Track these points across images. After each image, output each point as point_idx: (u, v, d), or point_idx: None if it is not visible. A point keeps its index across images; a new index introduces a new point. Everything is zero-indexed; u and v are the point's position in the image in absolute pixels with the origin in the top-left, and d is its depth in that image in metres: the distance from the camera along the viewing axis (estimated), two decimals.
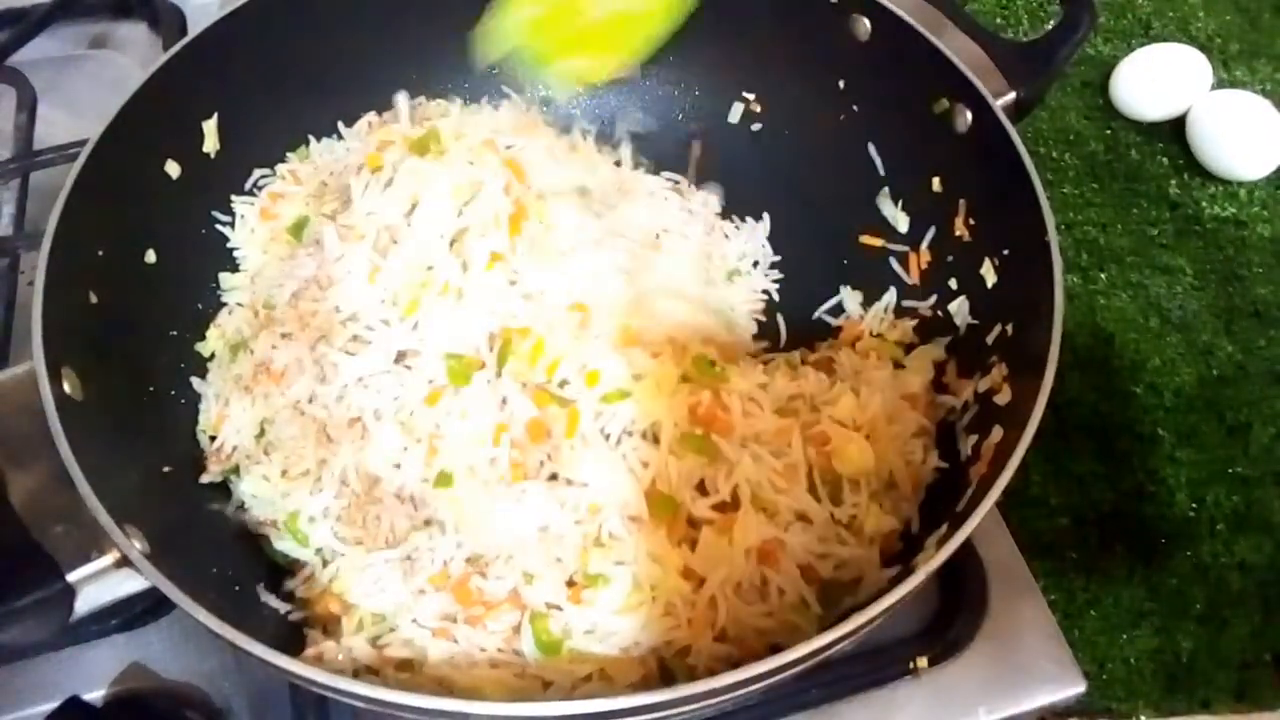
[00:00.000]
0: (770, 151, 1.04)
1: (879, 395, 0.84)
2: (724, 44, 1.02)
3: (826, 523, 0.79)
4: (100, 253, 0.82)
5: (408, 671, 0.74)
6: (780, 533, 0.77)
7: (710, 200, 1.03)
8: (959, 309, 0.90)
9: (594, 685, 0.73)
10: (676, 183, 1.03)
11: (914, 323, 0.94)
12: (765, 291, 0.99)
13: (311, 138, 1.01)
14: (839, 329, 0.97)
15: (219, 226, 0.95)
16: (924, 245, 0.95)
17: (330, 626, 0.78)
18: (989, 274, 0.87)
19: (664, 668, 0.75)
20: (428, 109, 1.01)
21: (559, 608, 0.75)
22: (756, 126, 1.05)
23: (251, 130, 0.95)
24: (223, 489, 0.85)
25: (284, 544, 0.81)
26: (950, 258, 0.92)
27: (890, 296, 0.96)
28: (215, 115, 0.93)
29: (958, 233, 0.91)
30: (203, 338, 0.91)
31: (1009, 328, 0.84)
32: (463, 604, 0.76)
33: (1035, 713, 0.84)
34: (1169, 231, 1.21)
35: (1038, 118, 1.29)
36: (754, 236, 1.01)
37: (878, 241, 0.98)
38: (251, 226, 0.95)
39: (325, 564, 0.80)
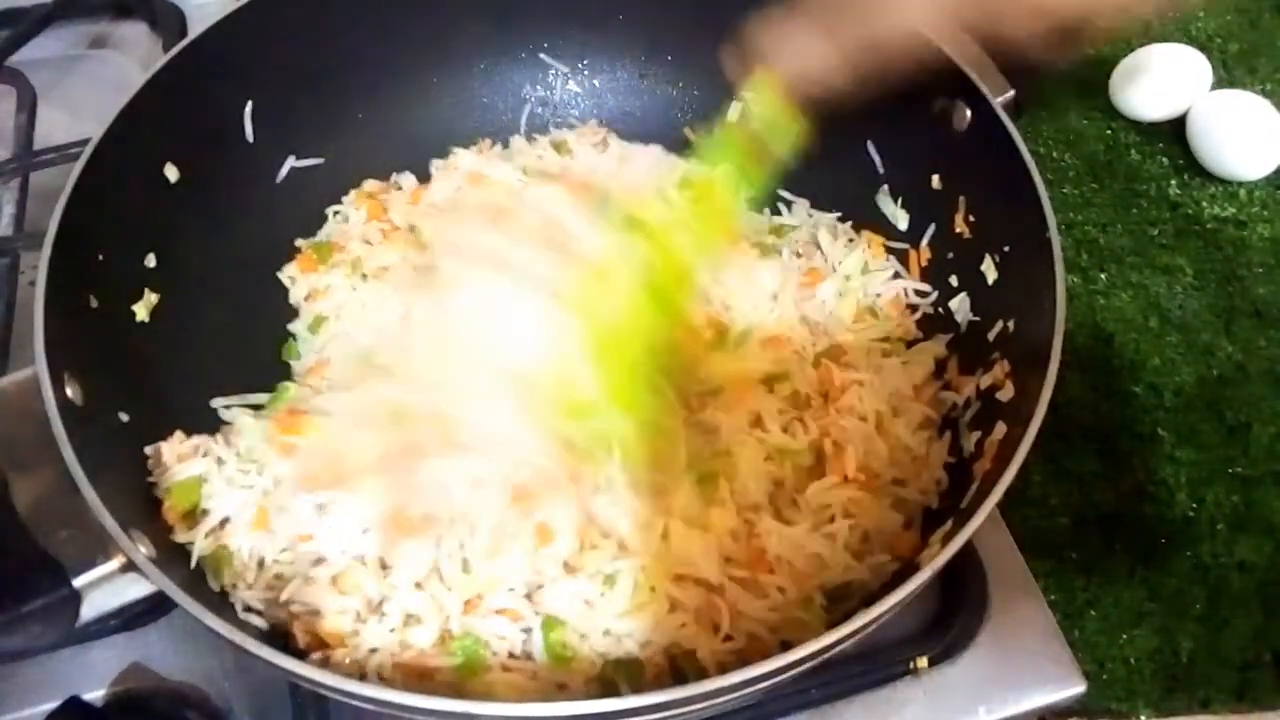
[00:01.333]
0: None
1: (884, 387, 0.84)
2: (722, 42, 1.02)
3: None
4: (100, 256, 0.82)
5: (416, 678, 0.74)
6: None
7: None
8: (960, 306, 0.90)
9: (606, 686, 0.74)
10: None
11: (915, 318, 0.94)
12: None
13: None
14: None
15: None
16: (924, 242, 0.95)
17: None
18: (990, 270, 0.88)
19: (675, 667, 0.75)
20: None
21: (564, 620, 0.75)
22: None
23: (253, 132, 0.96)
24: None
25: None
26: (951, 255, 0.92)
27: None
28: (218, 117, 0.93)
29: (958, 230, 0.91)
30: None
31: (1010, 324, 0.84)
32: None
33: (1035, 713, 0.83)
34: (1169, 231, 1.21)
35: (1037, 117, 1.29)
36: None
37: (878, 239, 0.98)
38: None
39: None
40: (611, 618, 0.74)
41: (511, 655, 0.75)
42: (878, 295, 0.95)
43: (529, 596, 0.76)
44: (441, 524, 0.78)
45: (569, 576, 0.76)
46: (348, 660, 0.74)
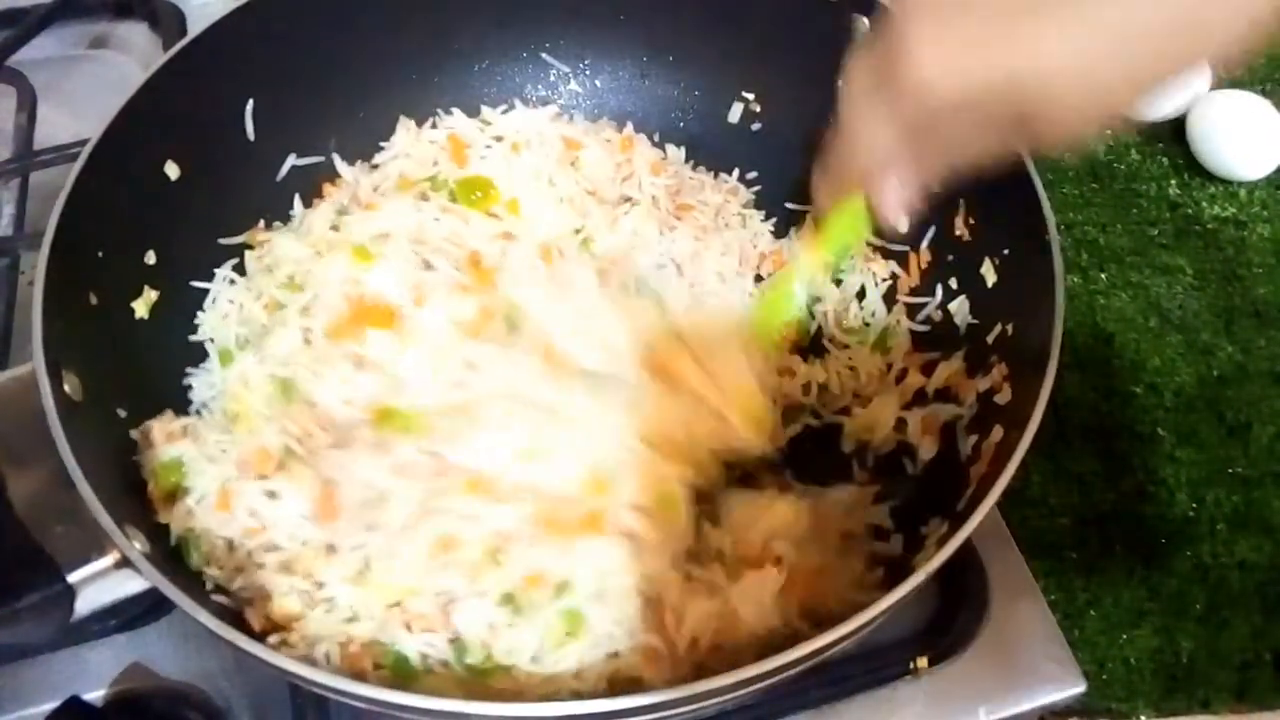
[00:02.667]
0: (770, 151, 1.04)
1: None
2: (723, 43, 1.02)
3: None
4: (100, 254, 0.82)
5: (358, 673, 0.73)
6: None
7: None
8: (959, 309, 0.90)
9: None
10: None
11: (920, 326, 0.94)
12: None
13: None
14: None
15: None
16: (923, 245, 0.95)
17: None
18: (989, 273, 0.88)
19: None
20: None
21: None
22: (756, 126, 1.05)
23: (254, 131, 0.96)
24: None
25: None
26: (950, 257, 0.92)
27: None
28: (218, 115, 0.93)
29: (957, 232, 0.91)
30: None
31: (1009, 327, 0.84)
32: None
33: (1035, 712, 0.83)
34: (1169, 232, 1.21)
35: None
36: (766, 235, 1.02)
37: (877, 241, 0.98)
38: (224, 312, 0.92)
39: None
40: (528, 648, 0.72)
41: (443, 664, 0.73)
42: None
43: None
44: (370, 511, 0.77)
45: (476, 595, 0.74)
46: (302, 643, 0.73)
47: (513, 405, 0.82)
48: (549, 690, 0.72)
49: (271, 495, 0.78)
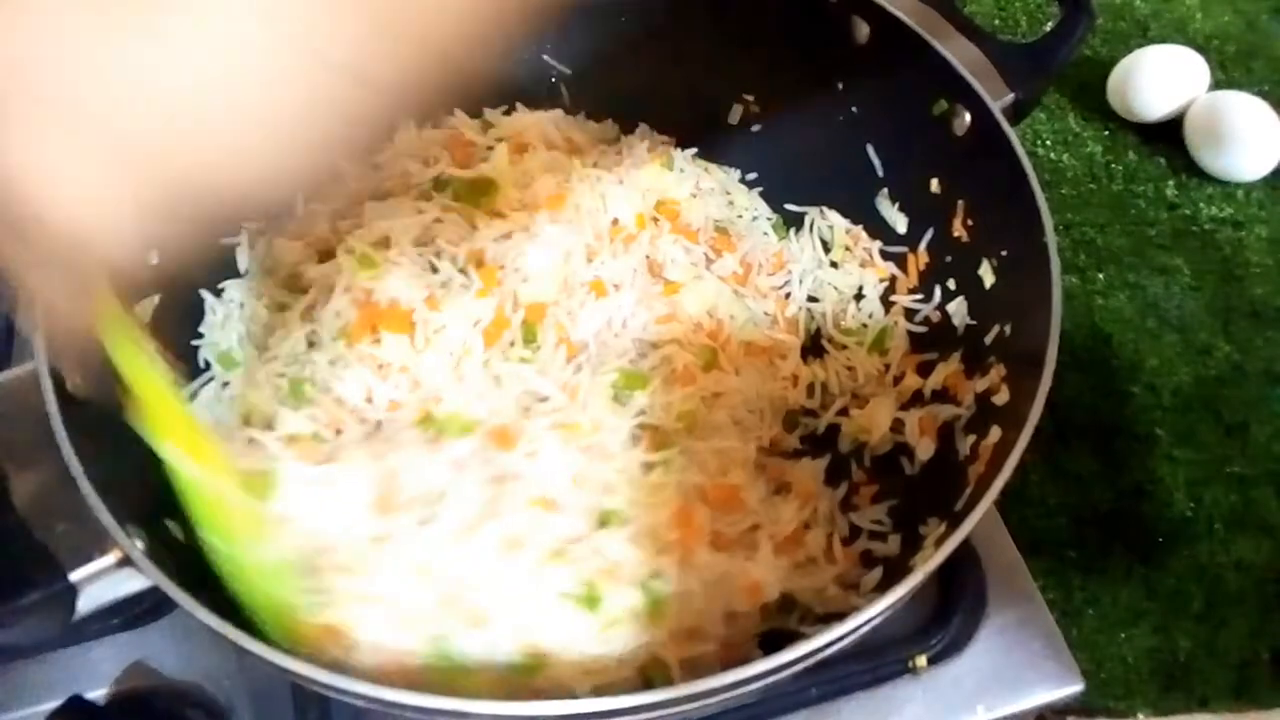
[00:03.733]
0: (769, 152, 1.04)
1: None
2: (724, 44, 1.03)
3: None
4: None
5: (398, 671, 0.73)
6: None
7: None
8: (958, 310, 0.91)
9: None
10: None
11: (919, 327, 0.94)
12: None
13: None
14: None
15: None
16: (922, 246, 0.95)
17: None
18: (987, 275, 0.88)
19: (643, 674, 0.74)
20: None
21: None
22: (756, 127, 1.05)
23: None
24: None
25: None
26: (949, 259, 0.93)
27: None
28: None
29: (956, 234, 0.91)
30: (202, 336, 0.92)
31: (1007, 328, 0.84)
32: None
33: (1033, 711, 0.84)
34: (1166, 232, 1.21)
35: (1036, 119, 1.30)
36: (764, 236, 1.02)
37: (876, 242, 0.98)
38: (226, 313, 0.91)
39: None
40: (585, 636, 0.73)
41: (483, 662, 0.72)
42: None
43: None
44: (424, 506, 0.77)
45: (538, 590, 0.74)
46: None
47: (554, 430, 0.81)
48: (593, 681, 0.72)
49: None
